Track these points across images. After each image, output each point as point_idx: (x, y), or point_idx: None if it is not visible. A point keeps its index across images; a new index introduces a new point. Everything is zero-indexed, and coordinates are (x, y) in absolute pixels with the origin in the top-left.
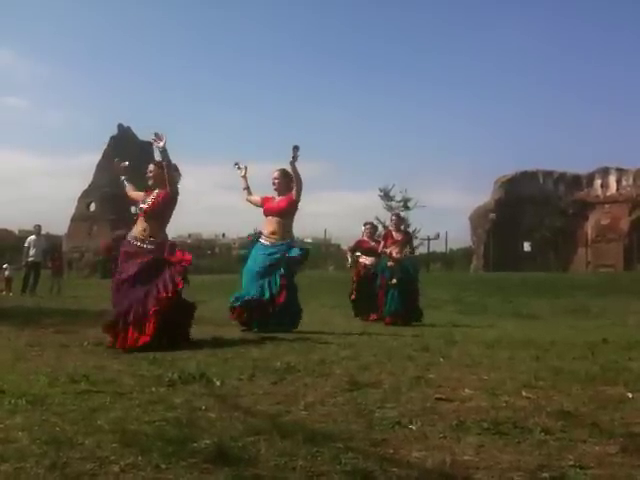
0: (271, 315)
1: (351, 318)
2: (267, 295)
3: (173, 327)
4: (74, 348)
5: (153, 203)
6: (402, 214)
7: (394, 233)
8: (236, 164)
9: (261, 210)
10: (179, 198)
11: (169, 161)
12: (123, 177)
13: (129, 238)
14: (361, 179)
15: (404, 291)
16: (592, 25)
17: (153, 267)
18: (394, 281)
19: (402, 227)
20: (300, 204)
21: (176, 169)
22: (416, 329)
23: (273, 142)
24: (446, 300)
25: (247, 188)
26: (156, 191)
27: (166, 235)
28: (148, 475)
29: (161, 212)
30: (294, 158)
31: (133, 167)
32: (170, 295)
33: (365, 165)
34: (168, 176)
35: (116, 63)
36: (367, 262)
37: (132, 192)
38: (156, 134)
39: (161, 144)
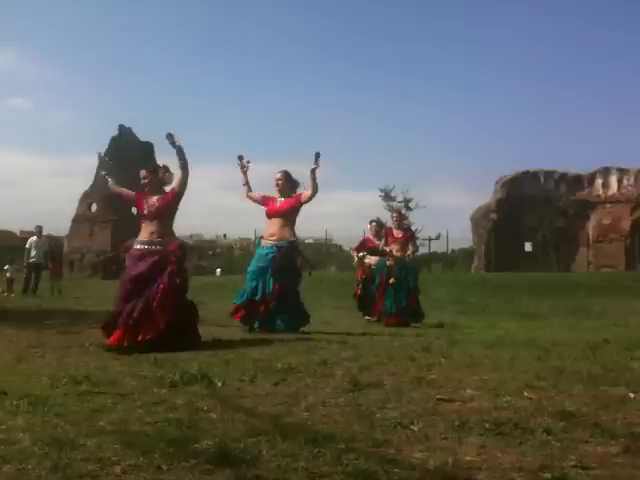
0: (269, 315)
1: (353, 319)
2: (259, 295)
3: (180, 325)
4: (76, 349)
5: (159, 206)
6: (403, 211)
7: (394, 231)
8: (240, 157)
9: (262, 210)
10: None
11: (184, 160)
12: (104, 172)
13: (135, 244)
14: (363, 179)
15: (402, 290)
16: (594, 24)
17: (158, 267)
18: (392, 280)
19: (404, 225)
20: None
21: (167, 170)
22: (417, 329)
23: (274, 142)
24: (447, 300)
25: (247, 184)
26: (157, 195)
27: (174, 234)
28: (150, 476)
29: (166, 214)
30: (316, 165)
31: (134, 167)
32: (163, 286)
33: (367, 165)
34: (181, 175)
35: (118, 64)
36: (371, 262)
37: (115, 187)
38: (169, 136)
39: (177, 143)
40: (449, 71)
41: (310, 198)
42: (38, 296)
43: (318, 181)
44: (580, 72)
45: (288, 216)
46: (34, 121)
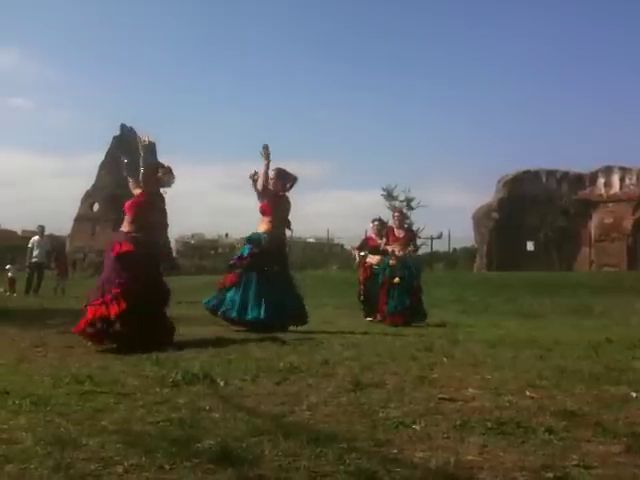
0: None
1: (354, 318)
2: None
3: (146, 318)
4: (78, 349)
5: (131, 203)
6: (405, 210)
7: (396, 230)
8: (251, 177)
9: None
10: (163, 198)
11: (146, 159)
12: (125, 159)
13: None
14: (364, 178)
15: (406, 290)
16: (594, 24)
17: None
18: (396, 280)
19: (405, 224)
20: (301, 204)
21: (170, 171)
22: (419, 329)
23: (274, 142)
24: (449, 300)
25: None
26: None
27: (147, 233)
28: (152, 476)
29: (136, 213)
30: (265, 157)
31: (134, 167)
32: (116, 290)
33: (368, 164)
34: (143, 177)
35: (118, 64)
36: (373, 261)
37: (132, 188)
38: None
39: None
40: (449, 71)
41: (261, 195)
42: (40, 296)
43: (268, 173)
44: (580, 72)
45: (264, 213)
46: (35, 121)
